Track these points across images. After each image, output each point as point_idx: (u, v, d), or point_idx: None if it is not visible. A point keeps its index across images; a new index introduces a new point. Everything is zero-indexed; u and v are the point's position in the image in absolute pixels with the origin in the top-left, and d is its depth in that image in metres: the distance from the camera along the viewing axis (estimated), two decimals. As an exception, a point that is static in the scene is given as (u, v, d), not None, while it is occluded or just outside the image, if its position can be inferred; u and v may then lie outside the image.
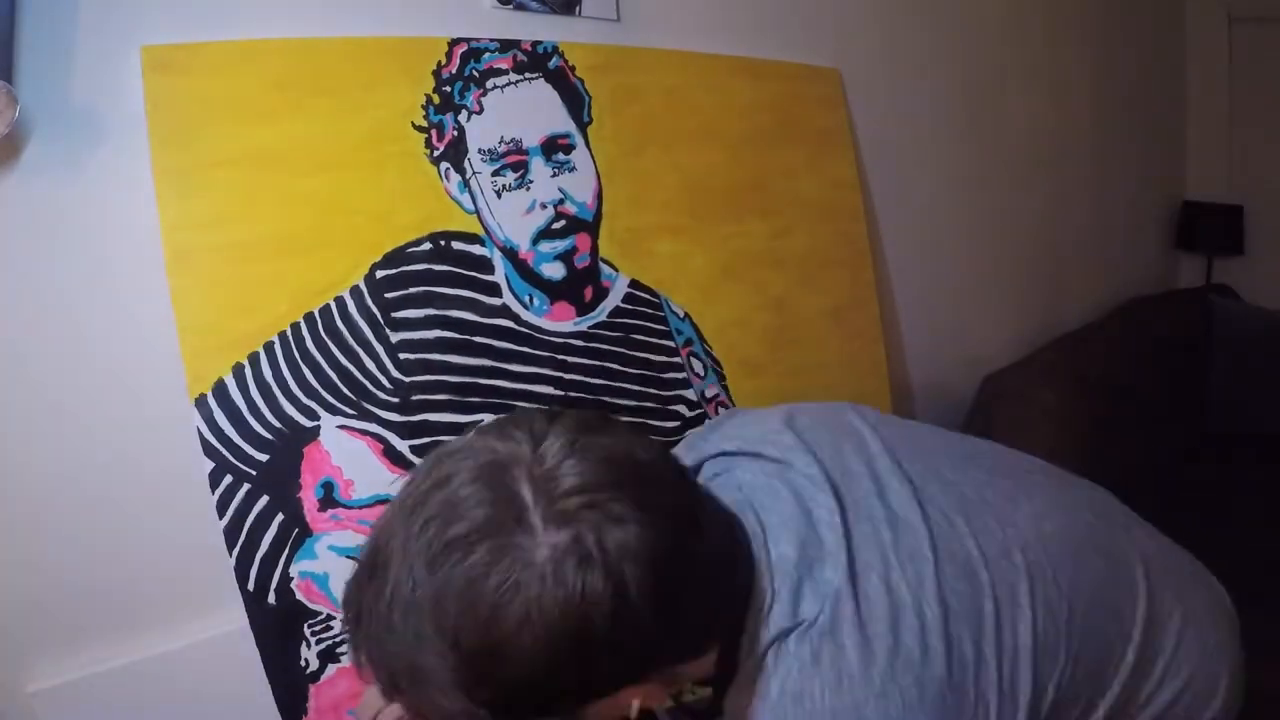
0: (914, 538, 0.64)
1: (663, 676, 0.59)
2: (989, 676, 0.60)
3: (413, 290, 1.04)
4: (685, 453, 0.77)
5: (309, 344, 0.97)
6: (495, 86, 1.12)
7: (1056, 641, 0.64)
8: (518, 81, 1.14)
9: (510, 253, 1.12)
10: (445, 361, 1.05)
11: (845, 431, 0.73)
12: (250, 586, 0.92)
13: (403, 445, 1.02)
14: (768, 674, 0.59)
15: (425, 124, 1.06)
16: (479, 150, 1.10)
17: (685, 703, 0.79)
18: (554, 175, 1.16)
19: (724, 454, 0.72)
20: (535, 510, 0.51)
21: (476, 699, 0.52)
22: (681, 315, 1.30)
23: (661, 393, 1.26)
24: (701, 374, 1.31)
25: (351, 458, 0.98)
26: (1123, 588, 0.71)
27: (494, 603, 0.50)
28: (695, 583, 0.55)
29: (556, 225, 1.16)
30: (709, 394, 1.31)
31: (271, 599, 0.93)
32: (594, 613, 0.50)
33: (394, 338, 1.02)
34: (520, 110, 1.13)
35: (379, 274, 1.02)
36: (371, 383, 1.00)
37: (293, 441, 0.95)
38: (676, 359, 1.28)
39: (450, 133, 1.08)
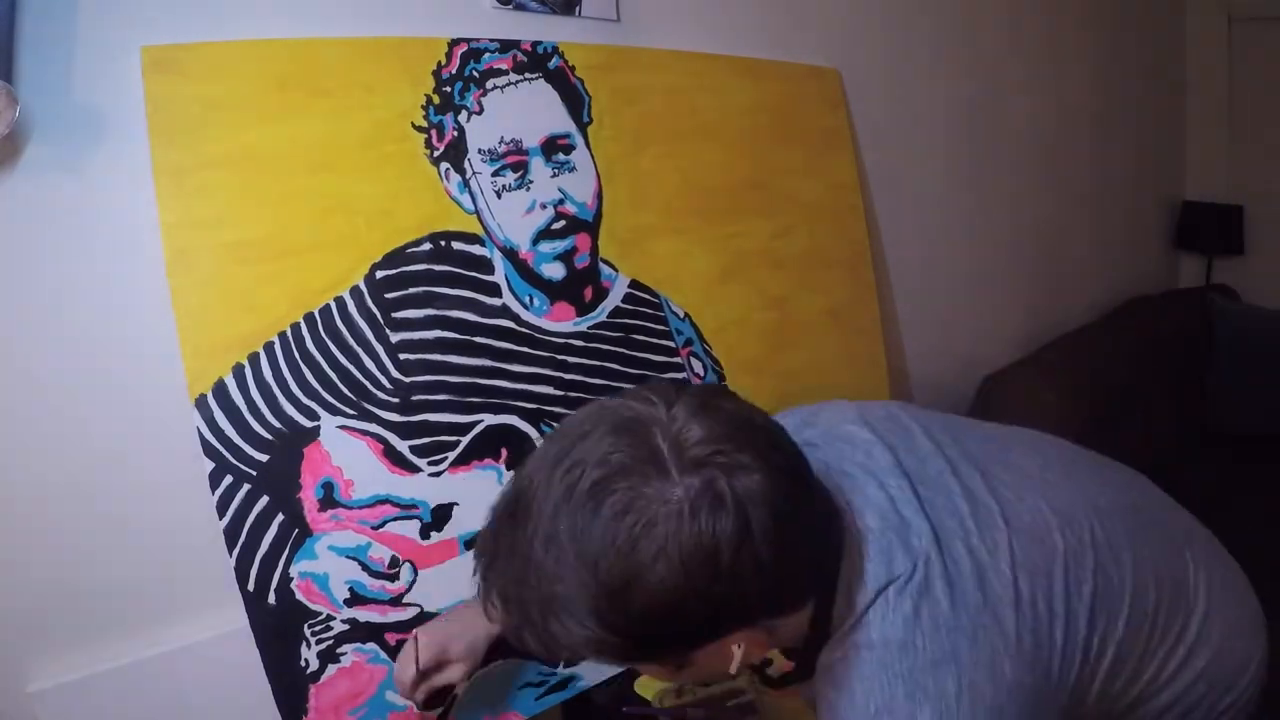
0: (987, 510, 0.70)
1: (765, 628, 0.62)
2: (1060, 628, 0.67)
3: (413, 290, 1.04)
4: None
5: (309, 344, 0.97)
6: (495, 87, 1.12)
7: (1113, 602, 0.71)
8: (518, 82, 1.14)
9: (510, 253, 1.12)
10: (445, 362, 1.05)
11: (911, 425, 0.79)
12: (250, 586, 0.92)
13: (403, 445, 1.02)
14: (869, 626, 0.64)
15: (425, 124, 1.06)
16: (479, 150, 1.10)
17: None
18: (554, 175, 1.16)
19: (805, 443, 0.74)
20: (670, 458, 0.56)
21: (607, 626, 0.57)
22: (681, 315, 1.30)
23: (661, 393, 1.26)
24: (701, 374, 1.31)
25: (351, 458, 0.98)
26: (1172, 560, 0.78)
27: (633, 536, 0.55)
28: (805, 531, 0.60)
29: (556, 225, 1.16)
30: (709, 394, 1.31)
31: (271, 599, 0.93)
32: (722, 548, 0.55)
33: (394, 338, 1.02)
34: (520, 110, 1.13)
35: (379, 274, 1.02)
36: (371, 383, 1.00)
37: (293, 441, 0.95)
38: (676, 359, 1.28)
39: (450, 133, 1.08)
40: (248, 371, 0.93)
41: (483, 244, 1.10)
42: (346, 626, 0.96)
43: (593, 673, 1.14)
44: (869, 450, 0.74)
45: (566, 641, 0.59)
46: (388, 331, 1.02)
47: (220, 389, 0.91)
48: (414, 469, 1.02)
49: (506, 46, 1.13)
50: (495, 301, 1.10)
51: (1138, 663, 0.74)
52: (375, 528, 0.99)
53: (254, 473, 0.92)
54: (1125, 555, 0.73)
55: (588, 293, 1.19)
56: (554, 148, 1.17)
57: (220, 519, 0.91)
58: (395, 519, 1.00)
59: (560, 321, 1.16)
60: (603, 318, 1.20)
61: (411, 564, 1.01)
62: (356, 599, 0.97)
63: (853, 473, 0.72)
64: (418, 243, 1.05)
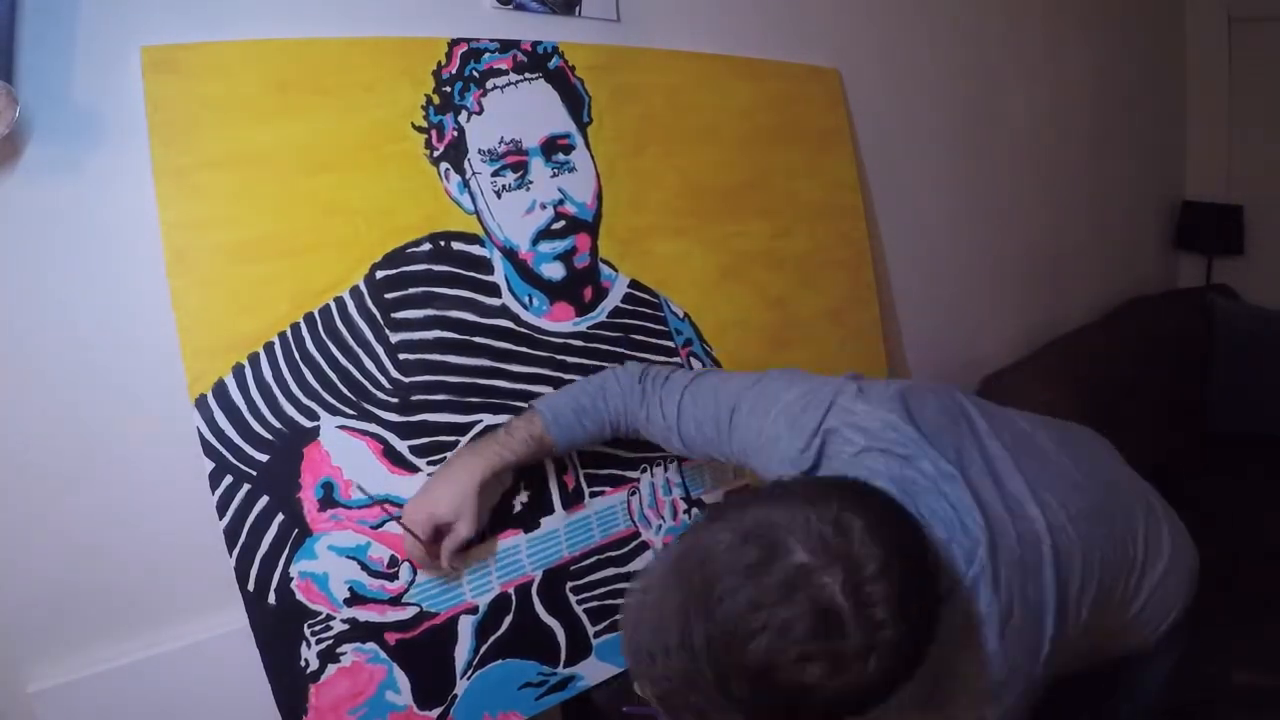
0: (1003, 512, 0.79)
1: None
2: (1050, 615, 0.77)
3: (413, 291, 1.04)
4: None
5: (309, 344, 0.97)
6: (495, 87, 1.12)
7: (1084, 585, 0.81)
8: (518, 82, 1.14)
9: (510, 253, 1.12)
10: (445, 362, 1.05)
11: (958, 415, 0.86)
12: (250, 586, 0.92)
13: (402, 445, 1.02)
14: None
15: (425, 124, 1.06)
16: (479, 150, 1.10)
17: None
18: (554, 175, 1.16)
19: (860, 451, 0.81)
20: (851, 622, 0.58)
21: None
22: (681, 315, 1.30)
23: (661, 393, 1.26)
24: (701, 374, 1.31)
25: (351, 458, 0.98)
26: (1128, 538, 0.88)
27: (809, 683, 0.59)
28: (933, 624, 0.65)
29: (556, 225, 1.16)
30: (709, 394, 1.31)
31: (271, 599, 0.93)
32: (886, 683, 0.61)
33: (394, 338, 1.02)
34: (520, 110, 1.13)
35: (379, 274, 1.02)
36: (371, 383, 1.00)
37: (293, 441, 0.95)
38: (676, 359, 1.28)
39: (450, 133, 1.08)
40: (248, 371, 0.93)
41: (482, 244, 1.10)
42: (346, 626, 0.96)
43: (593, 673, 1.14)
44: (920, 458, 0.79)
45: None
46: (387, 331, 1.02)
47: (220, 389, 0.91)
48: (413, 469, 1.02)
49: (506, 46, 1.13)
50: (495, 301, 1.10)
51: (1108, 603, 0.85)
52: (375, 527, 0.99)
53: (254, 473, 0.92)
54: (1095, 553, 0.82)
55: (587, 293, 1.19)
56: (554, 148, 1.17)
57: (220, 519, 0.91)
58: (395, 519, 1.00)
59: (560, 321, 1.16)
60: (602, 318, 1.20)
61: (410, 564, 1.01)
62: (356, 599, 0.97)
63: (912, 483, 0.78)
64: (418, 243, 1.05)
